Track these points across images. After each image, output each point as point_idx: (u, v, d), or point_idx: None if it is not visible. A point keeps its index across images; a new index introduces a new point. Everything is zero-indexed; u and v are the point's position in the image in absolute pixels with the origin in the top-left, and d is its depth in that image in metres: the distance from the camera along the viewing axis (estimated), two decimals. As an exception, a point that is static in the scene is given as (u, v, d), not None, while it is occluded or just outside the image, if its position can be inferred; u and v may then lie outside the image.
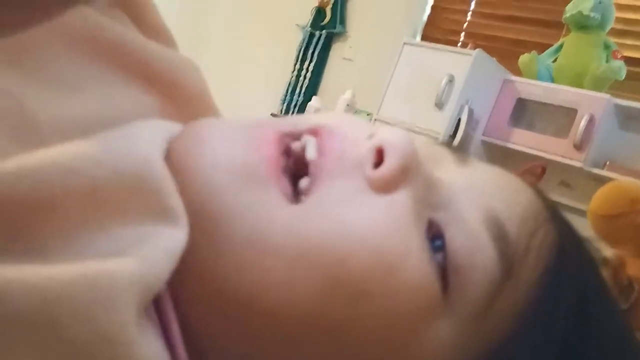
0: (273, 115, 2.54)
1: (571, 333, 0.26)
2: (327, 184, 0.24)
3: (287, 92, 2.66)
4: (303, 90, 2.61)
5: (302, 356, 0.23)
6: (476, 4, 2.31)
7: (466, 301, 0.25)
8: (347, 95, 2.24)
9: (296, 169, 0.25)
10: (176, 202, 0.21)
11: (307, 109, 2.38)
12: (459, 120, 1.78)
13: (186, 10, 3.08)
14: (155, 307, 0.21)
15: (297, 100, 2.62)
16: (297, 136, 0.26)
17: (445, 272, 0.24)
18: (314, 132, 0.26)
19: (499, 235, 0.26)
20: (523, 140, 1.77)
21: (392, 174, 0.25)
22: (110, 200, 0.20)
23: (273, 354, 0.23)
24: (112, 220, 0.20)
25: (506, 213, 0.27)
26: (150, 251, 0.19)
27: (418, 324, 0.24)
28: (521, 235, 0.26)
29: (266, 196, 0.23)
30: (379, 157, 0.25)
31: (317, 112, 2.32)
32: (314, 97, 2.45)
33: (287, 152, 0.25)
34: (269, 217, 0.23)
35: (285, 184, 0.24)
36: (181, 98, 0.33)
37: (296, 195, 0.24)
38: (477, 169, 0.29)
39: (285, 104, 2.65)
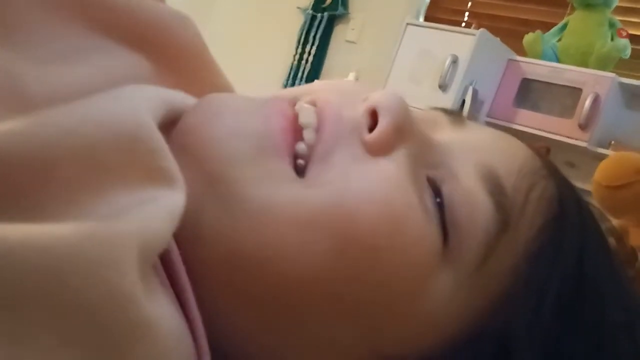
0: (276, 99, 2.53)
1: (568, 290, 0.26)
2: (327, 152, 0.25)
3: (289, 76, 2.65)
4: (305, 73, 2.60)
5: (312, 317, 0.24)
6: (480, -17, 2.29)
7: (465, 253, 0.25)
8: (351, 77, 2.23)
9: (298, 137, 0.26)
10: (172, 165, 0.22)
11: (310, 92, 2.37)
12: (464, 101, 1.78)
13: (187, -5, 3.05)
14: (167, 270, 0.21)
15: (300, 84, 2.60)
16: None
17: (445, 226, 0.25)
18: (313, 101, 0.27)
19: (495, 188, 0.26)
20: (528, 121, 1.76)
21: (385, 135, 0.25)
22: (109, 162, 0.20)
23: (284, 317, 0.24)
24: (111, 183, 0.20)
25: (503, 168, 0.27)
26: (149, 212, 0.19)
27: (422, 276, 0.24)
28: (518, 188, 0.27)
29: (278, 168, 0.24)
30: (374, 120, 0.26)
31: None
32: (316, 81, 2.44)
33: (294, 122, 0.26)
34: (280, 189, 0.24)
35: (293, 156, 0.25)
36: (175, 55, 0.32)
37: (295, 159, 0.25)
38: (473, 130, 0.30)
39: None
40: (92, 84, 0.26)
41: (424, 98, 1.83)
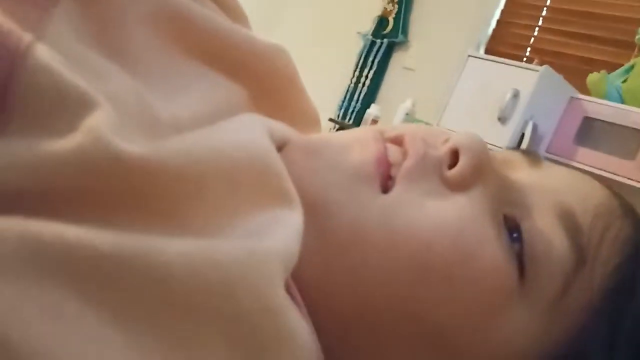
0: (331, 120, 2.58)
1: None
2: (410, 183, 0.27)
3: (345, 98, 2.70)
4: (361, 97, 2.64)
5: (394, 339, 0.26)
6: (544, 20, 2.29)
7: (541, 288, 0.26)
8: (408, 104, 2.25)
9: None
10: (292, 187, 0.24)
11: (365, 116, 2.40)
12: (522, 135, 1.77)
13: (253, 16, 3.16)
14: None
15: (355, 107, 2.64)
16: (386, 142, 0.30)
17: (522, 261, 0.26)
18: (398, 139, 0.30)
19: (572, 226, 0.27)
20: (588, 160, 1.74)
21: (465, 172, 0.28)
22: (246, 183, 0.22)
23: (367, 338, 0.26)
24: (247, 202, 0.22)
25: (579, 207, 0.28)
26: (284, 232, 0.21)
27: (496, 307, 0.26)
28: (594, 227, 0.28)
29: (365, 189, 0.27)
30: (454, 159, 0.29)
31: (375, 119, 2.34)
32: (372, 105, 2.47)
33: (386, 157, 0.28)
34: (365, 208, 0.26)
35: (384, 181, 0.27)
36: (270, 83, 0.34)
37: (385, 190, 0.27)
38: (550, 170, 0.32)
39: (343, 110, 2.68)
40: (203, 111, 0.28)
41: (482, 130, 1.83)
